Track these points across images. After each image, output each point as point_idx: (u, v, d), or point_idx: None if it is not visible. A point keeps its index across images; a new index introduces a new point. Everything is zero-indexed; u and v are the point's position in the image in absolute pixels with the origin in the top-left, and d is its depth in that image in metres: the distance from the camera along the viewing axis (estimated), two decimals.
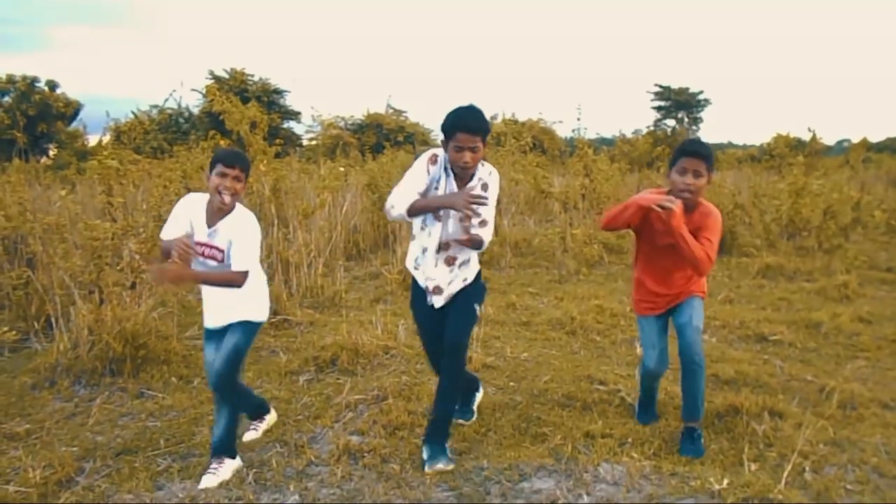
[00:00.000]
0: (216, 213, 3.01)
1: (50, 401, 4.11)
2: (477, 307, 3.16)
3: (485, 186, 2.99)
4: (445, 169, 2.98)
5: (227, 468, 3.00)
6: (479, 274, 3.19)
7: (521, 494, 2.71)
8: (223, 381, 3.04)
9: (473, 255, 3.13)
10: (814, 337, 5.14)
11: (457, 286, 3.10)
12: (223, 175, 2.93)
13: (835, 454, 3.04)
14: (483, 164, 3.01)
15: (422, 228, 3.08)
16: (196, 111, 23.81)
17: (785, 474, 2.75)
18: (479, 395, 3.65)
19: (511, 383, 4.14)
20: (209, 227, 3.00)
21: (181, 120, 23.85)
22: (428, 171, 2.97)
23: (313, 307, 6.17)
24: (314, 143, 25.07)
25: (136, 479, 3.03)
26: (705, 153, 3.00)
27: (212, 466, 3.00)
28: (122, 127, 20.79)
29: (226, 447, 3.04)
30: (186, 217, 3.03)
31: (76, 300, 4.69)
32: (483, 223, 2.94)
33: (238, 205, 3.04)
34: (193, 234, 3.01)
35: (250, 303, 3.11)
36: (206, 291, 3.11)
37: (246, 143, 6.77)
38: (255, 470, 3.04)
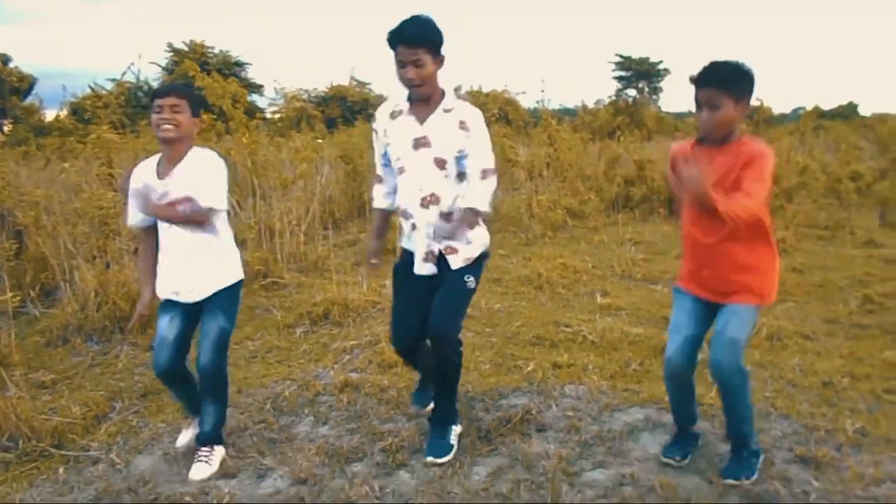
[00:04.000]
0: (168, 163, 2.73)
1: (66, 356, 4.49)
2: (472, 279, 2.74)
3: (462, 124, 2.62)
4: (396, 112, 2.71)
5: (218, 455, 2.85)
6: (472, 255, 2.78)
7: (501, 408, 3.24)
8: (211, 372, 2.80)
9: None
10: None
11: (474, 249, 2.75)
12: (159, 109, 2.65)
13: (758, 372, 3.63)
14: (462, 100, 2.74)
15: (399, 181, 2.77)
16: (156, 84, 23.58)
17: (715, 386, 3.33)
18: (456, 429, 2.93)
19: (487, 329, 4.67)
20: (160, 179, 2.71)
21: (140, 94, 23.62)
22: (375, 133, 2.78)
23: (299, 271, 6.60)
24: (277, 115, 25.05)
25: (166, 413, 3.47)
26: (716, 77, 2.37)
27: (202, 452, 2.83)
28: (83, 102, 20.56)
29: (215, 436, 2.88)
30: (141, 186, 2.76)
31: (80, 265, 5.05)
32: (484, 173, 2.64)
33: (194, 147, 2.76)
34: (150, 196, 2.72)
35: (225, 262, 2.85)
36: (171, 256, 2.80)
37: (228, 117, 7.09)
38: (270, 400, 3.51)
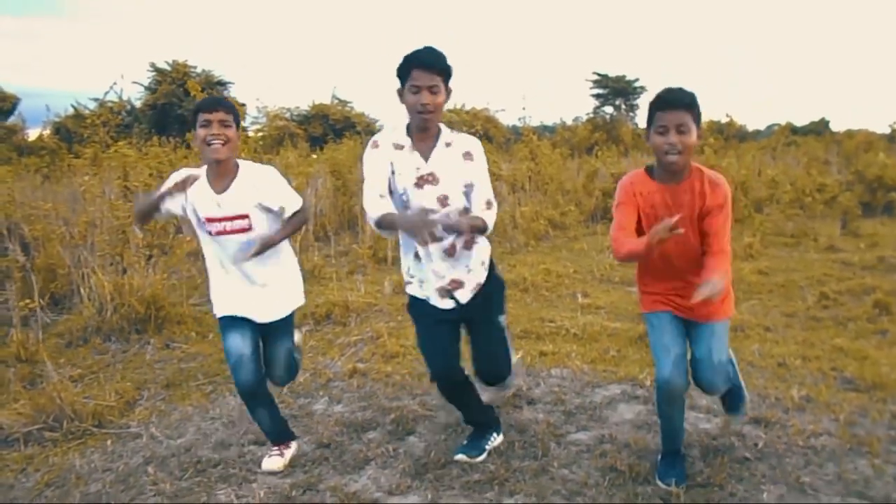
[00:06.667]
0: (219, 178, 2.62)
1: (88, 354, 4.83)
2: (502, 319, 2.82)
3: (467, 155, 2.62)
4: (399, 146, 2.62)
5: (291, 451, 2.94)
6: (492, 261, 2.82)
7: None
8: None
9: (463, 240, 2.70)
10: None
11: (478, 274, 2.73)
12: (207, 124, 2.54)
13: None
14: (456, 131, 2.71)
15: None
16: (138, 104, 23.81)
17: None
18: (496, 438, 3.00)
19: None
20: (218, 194, 2.61)
21: (123, 113, 23.83)
22: (376, 160, 2.62)
23: None
24: (260, 134, 25.37)
25: (191, 398, 3.84)
26: (686, 101, 2.35)
27: (274, 450, 2.92)
28: (67, 121, 20.74)
29: (285, 432, 2.97)
30: (179, 202, 2.66)
31: (97, 272, 5.40)
32: (488, 204, 2.63)
33: (241, 161, 2.67)
34: (198, 214, 2.65)
35: (294, 282, 2.86)
36: (237, 277, 2.71)
37: None
38: (287, 386, 3.88)
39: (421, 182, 2.60)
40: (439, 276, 2.67)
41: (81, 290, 5.43)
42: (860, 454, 2.81)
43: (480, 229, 2.59)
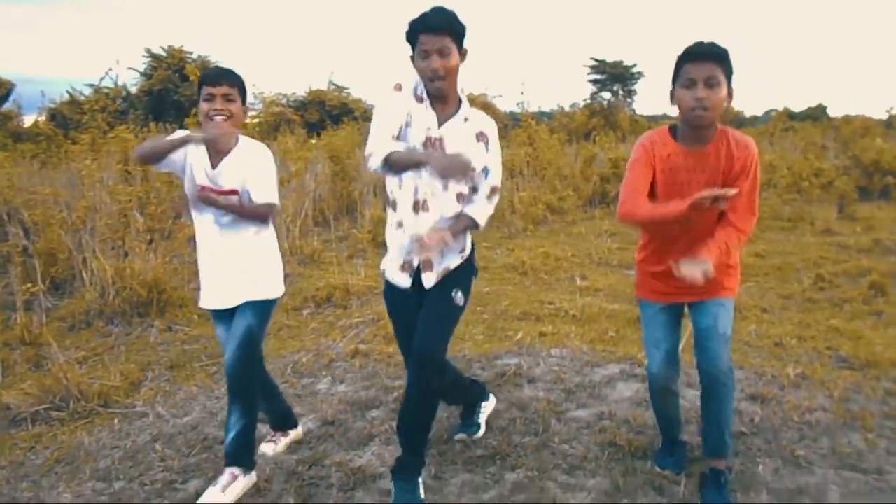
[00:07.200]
0: (218, 151, 2.55)
1: (91, 337, 4.87)
2: (460, 294, 2.54)
3: (481, 136, 2.46)
4: (419, 97, 2.44)
5: (240, 484, 2.57)
6: (473, 248, 2.67)
7: (496, 367, 3.71)
8: (236, 372, 2.57)
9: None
10: None
11: (450, 261, 2.52)
12: (210, 98, 2.47)
13: None
14: (474, 109, 2.52)
15: (399, 187, 2.49)
16: (134, 90, 23.69)
17: (681, 345, 3.83)
18: (486, 405, 3.02)
19: (478, 308, 5.13)
20: (213, 167, 2.53)
21: (119, 99, 23.71)
22: (395, 102, 2.42)
23: (297, 264, 7.01)
24: (256, 120, 25.27)
25: (196, 379, 3.89)
26: (718, 52, 2.17)
27: (223, 478, 2.55)
28: (62, 107, 20.65)
29: (239, 455, 2.59)
30: (182, 155, 2.55)
31: (98, 255, 5.43)
32: (493, 191, 2.51)
33: (242, 137, 2.59)
34: (195, 179, 2.56)
35: (266, 275, 2.66)
36: (210, 263, 2.62)
37: None
38: (290, 366, 3.94)
39: (427, 144, 2.41)
40: (409, 249, 2.47)
41: (84, 275, 5.46)
42: (853, 429, 2.88)
43: (471, 228, 2.50)
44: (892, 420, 2.96)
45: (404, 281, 2.51)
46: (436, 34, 2.31)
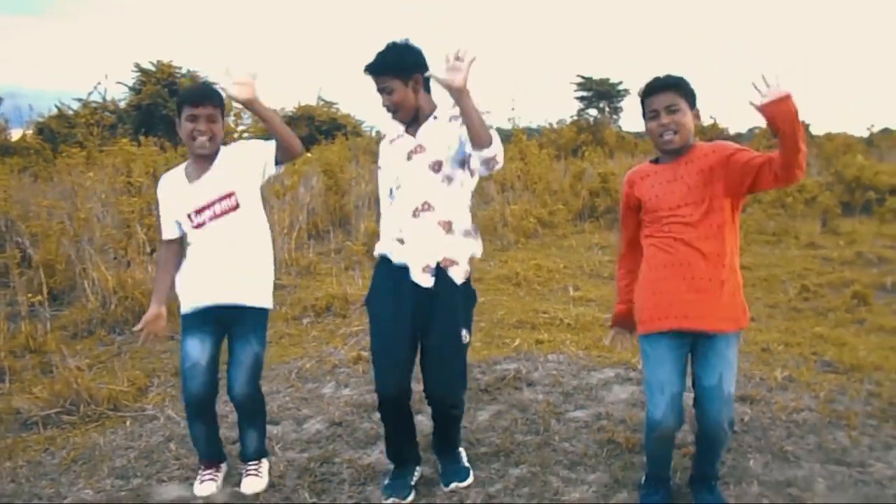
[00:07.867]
0: (200, 168, 2.57)
1: (94, 345, 4.94)
2: (465, 332, 2.59)
3: (453, 117, 2.52)
4: (391, 141, 2.63)
5: (265, 466, 2.79)
6: (470, 270, 2.60)
7: (495, 371, 3.84)
8: (251, 400, 2.68)
9: (464, 222, 2.56)
10: None
11: (449, 250, 2.51)
12: (194, 119, 2.49)
13: None
14: (442, 101, 2.56)
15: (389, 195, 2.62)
16: (123, 104, 23.71)
17: None
18: (463, 452, 2.89)
19: (475, 317, 5.23)
20: (199, 180, 2.57)
21: (107, 113, 23.71)
22: (385, 150, 2.65)
23: (293, 275, 7.12)
24: (245, 135, 25.31)
25: None
26: (671, 82, 2.30)
27: (250, 467, 2.76)
28: (50, 121, 20.62)
29: (259, 451, 2.79)
30: (170, 198, 2.63)
31: (99, 265, 5.51)
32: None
33: (221, 147, 2.60)
34: (189, 214, 2.59)
35: (263, 283, 2.67)
36: (206, 265, 2.61)
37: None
38: (294, 371, 4.04)
39: (410, 155, 2.52)
40: (432, 255, 2.49)
41: (85, 285, 5.53)
42: (838, 427, 3.03)
43: (486, 132, 2.36)
44: (874, 419, 3.11)
45: (426, 281, 2.48)
46: (376, 76, 2.49)
